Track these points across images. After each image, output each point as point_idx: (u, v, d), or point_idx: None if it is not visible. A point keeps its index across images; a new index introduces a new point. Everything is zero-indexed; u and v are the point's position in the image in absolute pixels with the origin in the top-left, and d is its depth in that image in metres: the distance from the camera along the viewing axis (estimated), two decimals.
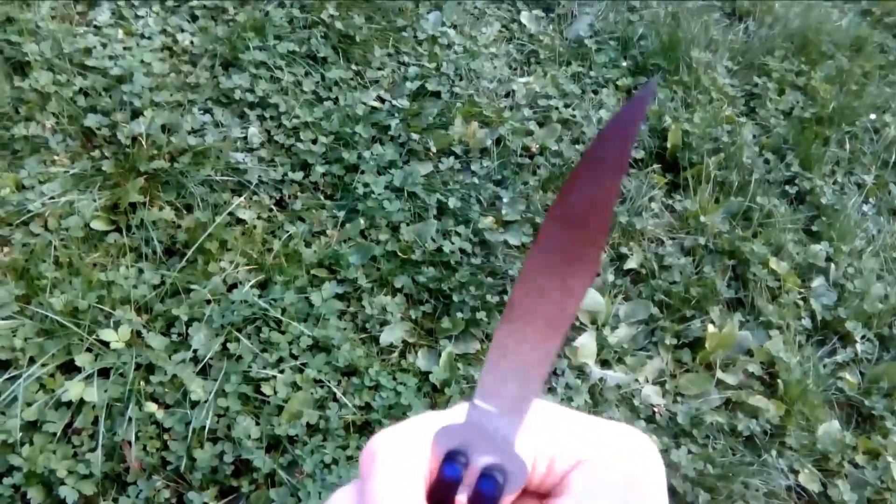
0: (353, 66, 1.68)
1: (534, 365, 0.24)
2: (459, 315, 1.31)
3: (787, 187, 1.77)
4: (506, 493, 0.24)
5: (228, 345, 1.18)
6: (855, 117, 1.97)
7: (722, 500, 1.21)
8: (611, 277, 1.47)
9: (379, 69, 1.70)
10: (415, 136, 1.56)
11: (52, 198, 1.27)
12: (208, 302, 1.21)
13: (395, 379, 1.21)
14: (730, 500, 1.21)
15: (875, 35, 2.32)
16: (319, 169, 1.47)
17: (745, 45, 2.10)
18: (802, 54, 2.12)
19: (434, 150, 1.57)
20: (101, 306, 1.16)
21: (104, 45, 1.51)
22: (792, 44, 2.14)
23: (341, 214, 1.41)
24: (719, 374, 1.38)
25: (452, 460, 0.24)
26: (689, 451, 1.26)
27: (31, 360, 1.10)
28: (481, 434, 0.24)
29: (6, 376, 1.07)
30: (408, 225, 1.43)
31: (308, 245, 1.36)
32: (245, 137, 1.48)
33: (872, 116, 2.00)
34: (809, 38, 2.15)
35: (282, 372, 1.17)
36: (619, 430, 0.25)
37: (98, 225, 1.28)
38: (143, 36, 1.56)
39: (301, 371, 1.18)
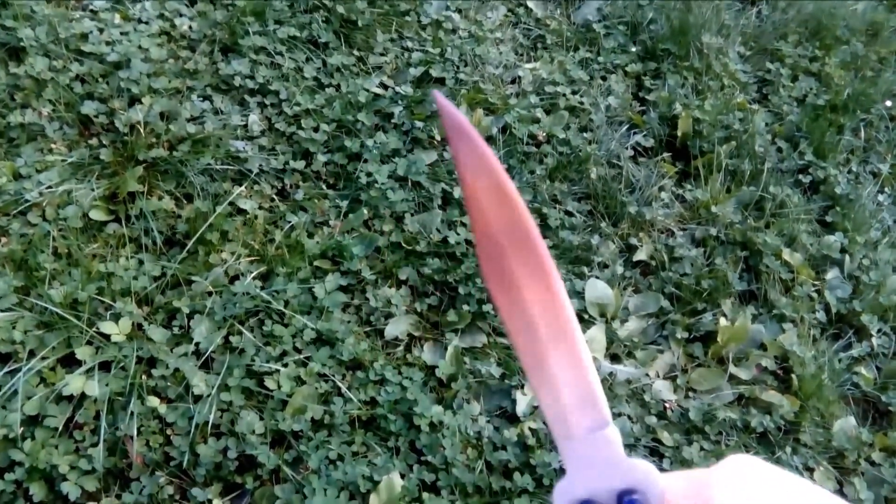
0: (356, 52, 1.64)
1: (571, 371, 0.24)
2: (466, 308, 1.28)
3: (800, 176, 1.73)
4: (654, 500, 0.23)
5: (231, 338, 1.16)
6: (870, 104, 1.92)
7: None
8: (620, 269, 1.44)
9: (382, 55, 1.65)
10: (419, 124, 1.52)
11: (50, 187, 1.25)
12: (210, 294, 1.19)
13: (400, 373, 1.19)
14: None
15: (892, 19, 2.26)
16: (321, 158, 1.43)
17: (757, 29, 2.05)
18: (816, 39, 2.07)
19: (438, 138, 1.53)
20: (101, 298, 1.14)
21: (101, 31, 1.47)
22: (806, 29, 2.08)
23: (344, 204, 1.38)
24: (732, 368, 1.35)
25: None
26: (702, 448, 1.23)
27: (31, 354, 1.08)
28: (590, 471, 0.24)
29: (6, 370, 1.06)
30: (412, 215, 1.39)
31: (311, 236, 1.33)
32: (245, 125, 1.45)
33: (888, 103, 1.95)
34: (823, 23, 2.09)
35: (285, 366, 1.15)
36: None
37: (97, 215, 1.25)
38: (140, 21, 1.52)
39: (305, 365, 1.16)
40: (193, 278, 1.20)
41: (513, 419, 1.20)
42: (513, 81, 1.74)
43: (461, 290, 1.30)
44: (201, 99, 1.45)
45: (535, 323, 0.24)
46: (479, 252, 0.23)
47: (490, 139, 1.57)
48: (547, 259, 0.23)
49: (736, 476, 0.22)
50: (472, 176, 0.23)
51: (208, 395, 1.09)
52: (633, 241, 1.50)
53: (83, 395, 1.06)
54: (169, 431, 1.07)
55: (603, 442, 0.24)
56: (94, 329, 1.11)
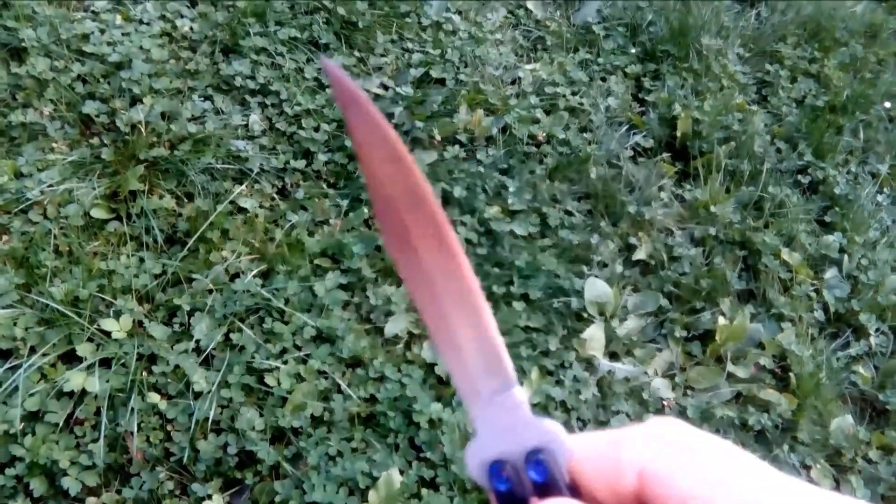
0: (356, 53, 1.65)
1: (474, 333, 0.24)
2: None
3: (799, 177, 1.74)
4: (562, 459, 0.23)
5: (231, 335, 1.16)
6: (869, 105, 1.92)
7: None
8: (619, 268, 1.44)
9: (382, 56, 1.66)
10: (419, 124, 1.53)
11: (51, 185, 1.25)
12: (210, 291, 1.20)
13: (400, 370, 1.19)
14: None
15: (890, 21, 2.27)
16: (322, 157, 1.44)
17: (756, 31, 2.06)
18: (815, 41, 2.07)
19: (439, 138, 1.54)
20: (101, 295, 1.14)
21: (102, 31, 1.48)
22: (805, 30, 2.09)
23: (344, 203, 1.39)
24: (730, 367, 1.36)
25: (497, 477, 0.23)
26: None
27: (32, 350, 1.08)
28: (499, 432, 0.24)
29: (7, 366, 1.06)
30: None
31: (311, 234, 1.34)
32: (246, 125, 1.46)
33: (887, 105, 1.96)
34: (823, 25, 2.10)
35: (285, 363, 1.15)
36: None
37: (98, 213, 1.26)
38: (141, 21, 1.53)
39: (305, 362, 1.16)
40: (194, 276, 1.21)
41: None
42: (513, 82, 1.75)
43: None
44: (202, 99, 1.46)
45: (435, 286, 0.24)
46: (378, 218, 0.24)
47: (490, 139, 1.58)
48: (444, 224, 0.23)
49: (650, 435, 0.22)
50: (367, 145, 0.23)
51: (208, 392, 1.09)
52: (633, 240, 1.51)
53: (84, 392, 1.06)
54: (169, 427, 1.08)
55: (510, 403, 0.24)
56: (94, 326, 1.12)
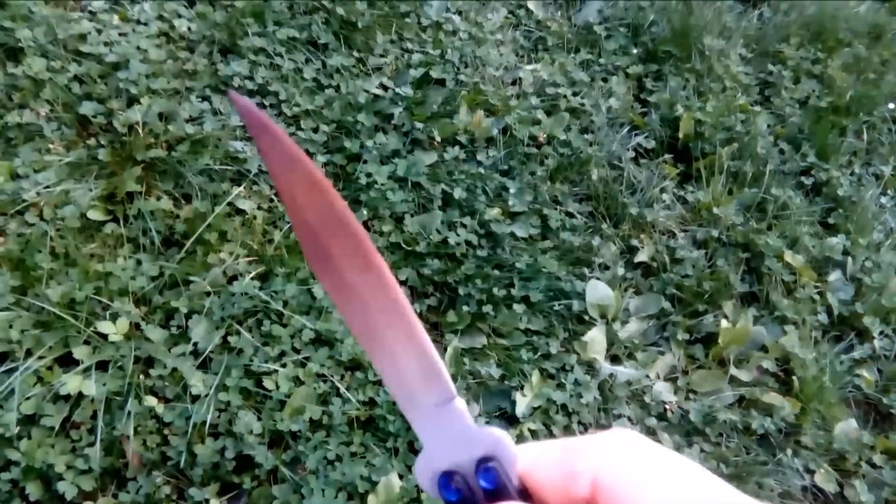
0: (355, 53, 1.63)
1: (411, 347, 0.24)
2: (465, 308, 1.28)
3: (802, 178, 1.72)
4: (510, 466, 0.23)
5: (229, 338, 1.15)
6: (873, 106, 1.91)
7: None
8: (621, 271, 1.43)
9: (382, 56, 1.65)
10: (419, 125, 1.52)
11: (48, 187, 1.24)
12: (208, 294, 1.19)
13: None
14: None
15: (894, 22, 2.25)
16: (321, 158, 1.43)
17: (759, 32, 2.04)
18: (819, 42, 2.06)
19: (439, 139, 1.53)
20: (98, 298, 1.13)
21: (99, 31, 1.47)
22: (808, 31, 2.08)
23: None
24: (733, 370, 1.34)
25: (447, 488, 0.24)
26: (702, 450, 1.22)
27: (28, 353, 1.07)
28: (445, 443, 0.24)
29: (3, 369, 1.05)
30: (412, 216, 1.39)
31: None
32: (244, 126, 1.44)
33: (891, 106, 1.95)
34: (826, 26, 2.09)
35: (284, 366, 1.14)
36: None
37: (94, 215, 1.25)
38: (139, 22, 1.52)
39: (303, 365, 1.15)
40: (192, 278, 1.20)
41: (512, 420, 1.19)
42: (513, 83, 1.73)
43: (461, 291, 1.30)
44: (200, 99, 1.45)
45: (366, 303, 0.24)
46: (300, 240, 0.24)
47: (491, 140, 1.57)
48: (368, 243, 0.24)
49: (605, 445, 0.22)
50: (282, 174, 0.24)
51: (206, 395, 1.08)
52: (635, 242, 1.50)
53: (80, 395, 1.05)
54: (166, 431, 1.07)
55: (453, 414, 0.24)
56: (91, 329, 1.10)
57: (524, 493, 0.23)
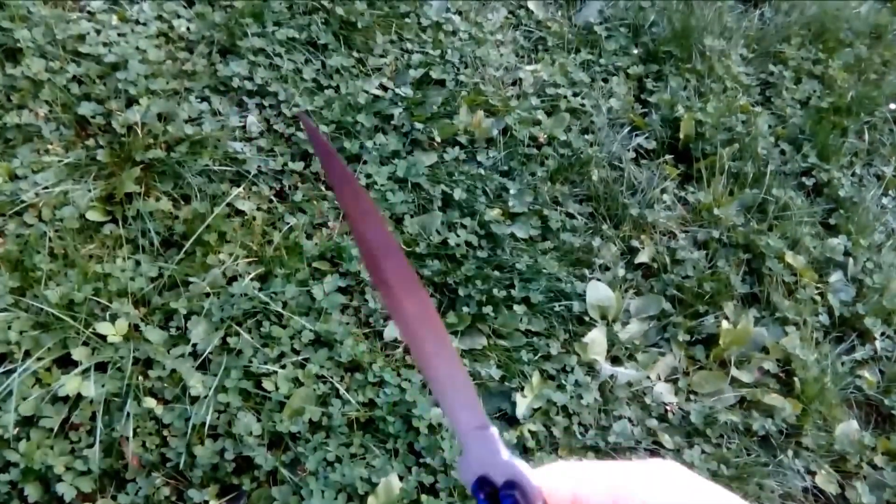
0: (355, 54, 1.63)
1: (456, 379, 0.28)
2: (465, 310, 1.27)
3: (803, 179, 1.72)
4: (530, 495, 0.26)
5: (228, 339, 1.15)
6: (874, 107, 1.91)
7: None
8: (621, 272, 1.43)
9: (381, 56, 1.65)
10: (419, 126, 1.51)
11: (46, 188, 1.24)
12: (207, 295, 1.18)
13: (399, 375, 1.18)
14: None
15: (895, 22, 2.25)
16: None
17: (760, 32, 2.04)
18: (820, 42, 2.06)
19: (438, 139, 1.52)
20: (97, 299, 1.13)
21: (98, 32, 1.47)
22: (809, 31, 2.08)
23: None
24: (734, 371, 1.34)
25: (479, 492, 0.27)
26: (703, 451, 1.22)
27: (27, 354, 1.07)
28: (482, 457, 0.27)
29: (1, 370, 1.05)
30: (412, 217, 1.39)
31: (309, 237, 1.32)
32: (243, 126, 1.44)
33: (892, 106, 1.94)
34: (827, 26, 2.08)
35: (283, 367, 1.14)
36: None
37: (93, 216, 1.24)
38: (137, 22, 1.52)
39: (303, 366, 1.15)
40: (191, 279, 1.19)
41: (512, 422, 1.19)
42: (514, 83, 1.73)
43: (461, 292, 1.29)
44: (199, 100, 1.44)
45: (416, 328, 0.28)
46: (364, 262, 0.29)
47: (491, 141, 1.57)
48: (413, 274, 0.27)
49: (653, 479, 0.24)
50: (350, 201, 0.27)
51: (205, 397, 1.08)
52: (635, 243, 1.49)
53: (79, 396, 1.05)
54: (165, 432, 1.07)
55: (488, 440, 0.28)
56: (90, 330, 1.10)
57: None
